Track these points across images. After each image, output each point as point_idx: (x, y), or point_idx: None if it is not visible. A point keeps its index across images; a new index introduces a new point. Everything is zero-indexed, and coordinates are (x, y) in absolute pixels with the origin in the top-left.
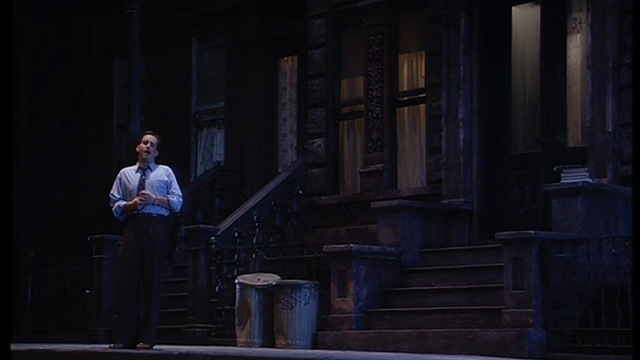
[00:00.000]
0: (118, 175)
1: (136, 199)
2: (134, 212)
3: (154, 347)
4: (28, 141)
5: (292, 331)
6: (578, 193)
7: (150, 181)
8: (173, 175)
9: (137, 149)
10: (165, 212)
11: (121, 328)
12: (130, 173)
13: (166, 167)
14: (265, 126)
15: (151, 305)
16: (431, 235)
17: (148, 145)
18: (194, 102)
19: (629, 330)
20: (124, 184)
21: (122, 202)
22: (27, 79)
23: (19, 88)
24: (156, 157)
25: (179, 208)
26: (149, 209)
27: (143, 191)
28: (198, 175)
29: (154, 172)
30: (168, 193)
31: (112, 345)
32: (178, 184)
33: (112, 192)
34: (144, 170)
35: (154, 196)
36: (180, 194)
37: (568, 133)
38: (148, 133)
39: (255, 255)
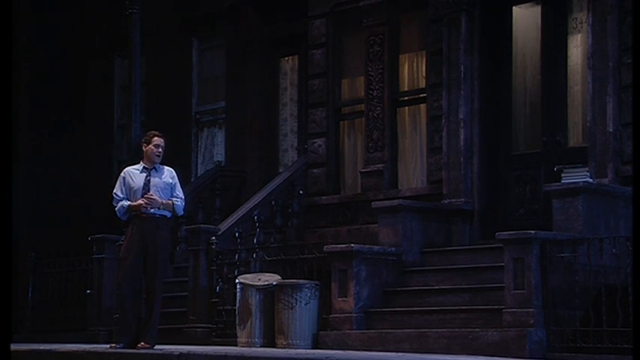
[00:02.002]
0: (122, 175)
1: (141, 201)
2: (138, 213)
3: (155, 347)
4: (28, 141)
5: (293, 331)
6: (578, 193)
7: (155, 182)
8: (177, 177)
9: (145, 149)
10: (168, 214)
11: (122, 328)
12: (134, 173)
13: (170, 169)
14: (266, 126)
15: (153, 306)
16: (431, 235)
17: (160, 149)
18: (195, 102)
19: (629, 330)
20: (128, 183)
21: (126, 202)
22: (27, 79)
23: (20, 88)
24: None
25: (182, 212)
26: (153, 210)
27: (150, 195)
28: (198, 175)
29: (159, 174)
30: (172, 196)
31: (112, 345)
32: (180, 186)
33: (115, 191)
34: (149, 170)
35: (159, 200)
36: (183, 197)
37: (569, 133)
38: (158, 136)
39: (256, 255)
